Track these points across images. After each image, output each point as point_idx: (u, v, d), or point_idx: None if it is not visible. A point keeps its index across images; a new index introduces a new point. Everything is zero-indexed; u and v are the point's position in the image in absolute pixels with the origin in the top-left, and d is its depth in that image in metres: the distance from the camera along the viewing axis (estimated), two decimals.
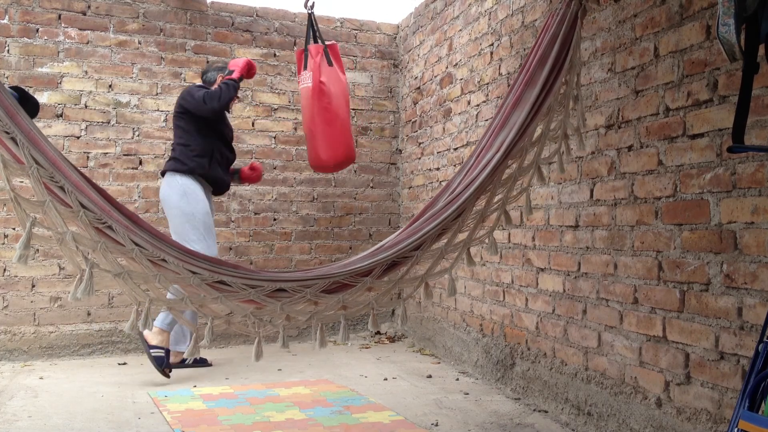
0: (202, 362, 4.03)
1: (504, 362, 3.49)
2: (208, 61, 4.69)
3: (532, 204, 2.71)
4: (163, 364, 3.62)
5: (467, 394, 3.39)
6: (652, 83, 2.48)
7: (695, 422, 2.21)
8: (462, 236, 2.49)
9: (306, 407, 3.14)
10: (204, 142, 3.89)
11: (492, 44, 3.78)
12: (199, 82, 4.26)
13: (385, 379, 3.71)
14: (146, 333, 3.63)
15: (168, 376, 3.62)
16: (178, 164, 3.84)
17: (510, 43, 3.58)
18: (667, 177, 2.39)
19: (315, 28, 4.05)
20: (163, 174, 3.94)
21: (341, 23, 5.15)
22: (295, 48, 4.94)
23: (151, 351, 3.61)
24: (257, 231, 4.84)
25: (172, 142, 4.04)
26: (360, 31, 5.21)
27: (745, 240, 2.06)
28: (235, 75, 3.89)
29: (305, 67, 3.95)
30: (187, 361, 3.89)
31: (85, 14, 4.43)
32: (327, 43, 4.03)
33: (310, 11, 4.05)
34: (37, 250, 4.23)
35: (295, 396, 3.35)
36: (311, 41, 4.02)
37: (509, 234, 3.49)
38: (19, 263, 2.00)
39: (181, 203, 3.79)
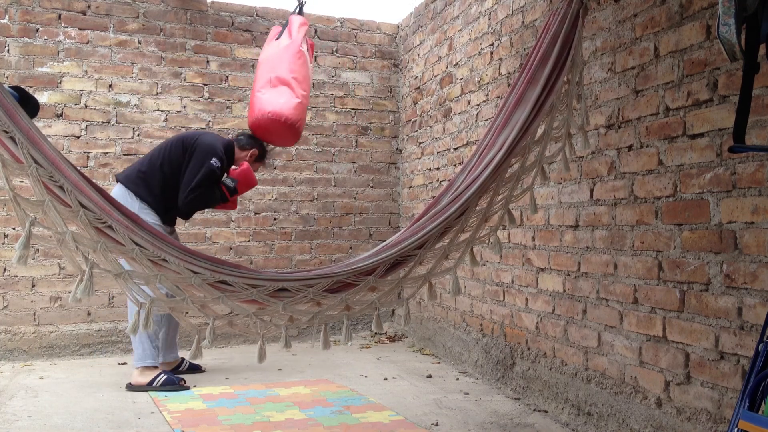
0: (196, 368, 3.88)
1: (504, 362, 3.49)
2: (208, 62, 4.69)
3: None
4: (175, 381, 3.45)
5: (467, 393, 3.39)
6: (652, 83, 2.48)
7: (695, 422, 2.21)
8: (465, 236, 2.49)
9: (306, 407, 3.14)
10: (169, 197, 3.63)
11: (492, 44, 3.78)
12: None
13: (385, 379, 3.70)
14: (134, 379, 3.46)
15: (186, 386, 3.48)
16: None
17: (510, 43, 3.58)
18: (667, 177, 2.39)
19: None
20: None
21: (341, 23, 5.15)
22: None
23: (153, 385, 3.42)
24: (257, 231, 4.84)
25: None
26: (360, 30, 5.21)
27: (745, 240, 2.06)
28: (237, 192, 3.66)
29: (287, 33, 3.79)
30: (182, 367, 3.80)
31: (85, 14, 4.43)
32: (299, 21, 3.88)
33: (301, 4, 3.95)
34: (37, 250, 4.22)
35: (295, 396, 3.35)
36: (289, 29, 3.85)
37: (509, 234, 3.49)
38: (19, 264, 1.99)
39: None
